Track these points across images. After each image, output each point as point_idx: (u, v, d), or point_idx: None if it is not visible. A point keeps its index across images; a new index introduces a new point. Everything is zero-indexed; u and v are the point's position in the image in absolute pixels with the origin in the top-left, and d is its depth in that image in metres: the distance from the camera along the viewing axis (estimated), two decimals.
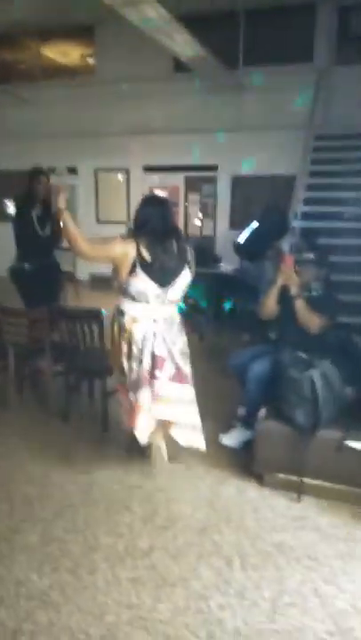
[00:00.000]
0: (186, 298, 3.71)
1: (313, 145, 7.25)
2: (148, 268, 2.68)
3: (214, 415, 3.86)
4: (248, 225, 5.99)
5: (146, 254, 2.69)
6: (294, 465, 2.78)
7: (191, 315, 6.74)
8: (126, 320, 2.78)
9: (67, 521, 2.60)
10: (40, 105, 9.25)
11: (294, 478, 2.80)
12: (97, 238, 2.96)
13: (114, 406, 3.69)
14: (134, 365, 2.77)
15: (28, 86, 9.41)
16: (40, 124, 9.30)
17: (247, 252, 5.87)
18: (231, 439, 3.42)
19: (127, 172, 9.22)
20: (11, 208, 4.68)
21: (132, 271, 2.68)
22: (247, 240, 5.85)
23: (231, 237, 6.63)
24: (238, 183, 8.56)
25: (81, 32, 9.18)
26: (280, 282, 3.22)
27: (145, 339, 2.74)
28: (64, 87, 9.25)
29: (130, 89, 8.57)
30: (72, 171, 9.42)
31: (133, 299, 2.75)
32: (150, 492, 2.84)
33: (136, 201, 2.92)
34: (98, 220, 9.59)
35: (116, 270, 2.76)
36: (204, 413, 3.87)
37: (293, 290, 3.18)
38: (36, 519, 2.61)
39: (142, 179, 9.14)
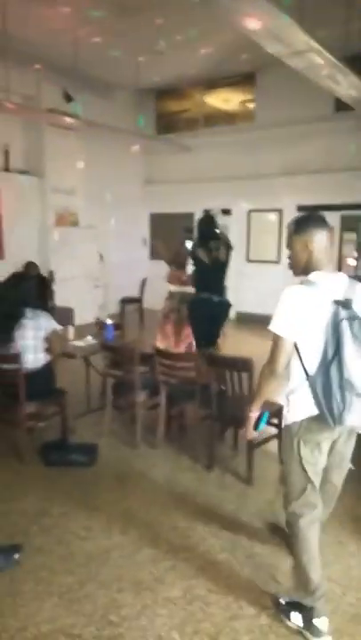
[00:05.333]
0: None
1: None
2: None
3: None
4: None
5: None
6: None
7: None
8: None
9: (209, 580, 2.54)
10: (200, 151, 9.78)
11: None
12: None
13: (259, 461, 3.59)
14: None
15: (190, 134, 10.02)
16: (199, 169, 9.82)
17: None
18: None
19: (280, 213, 9.21)
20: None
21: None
22: None
23: None
24: None
25: (242, 79, 9.54)
26: None
27: None
28: (224, 134, 9.65)
29: (288, 131, 8.64)
30: (226, 212, 9.70)
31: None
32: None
33: None
34: (248, 259, 9.69)
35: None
36: None
37: None
38: (179, 572, 2.60)
39: None
